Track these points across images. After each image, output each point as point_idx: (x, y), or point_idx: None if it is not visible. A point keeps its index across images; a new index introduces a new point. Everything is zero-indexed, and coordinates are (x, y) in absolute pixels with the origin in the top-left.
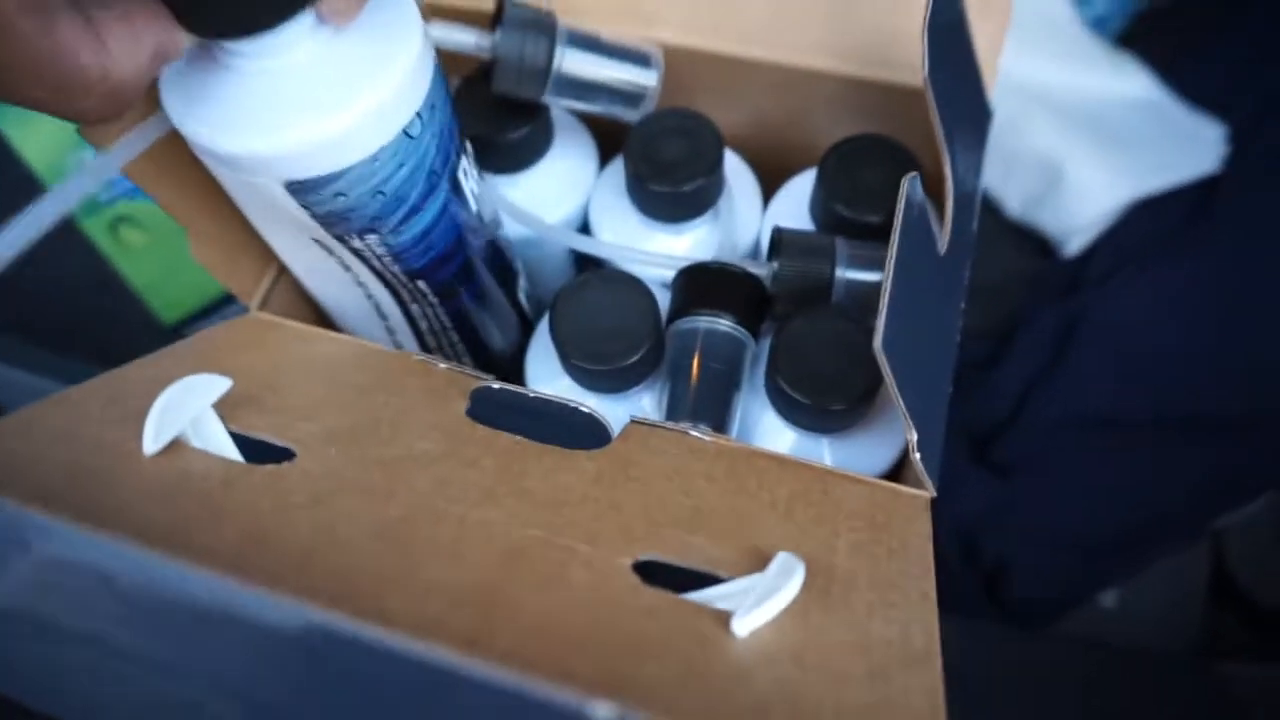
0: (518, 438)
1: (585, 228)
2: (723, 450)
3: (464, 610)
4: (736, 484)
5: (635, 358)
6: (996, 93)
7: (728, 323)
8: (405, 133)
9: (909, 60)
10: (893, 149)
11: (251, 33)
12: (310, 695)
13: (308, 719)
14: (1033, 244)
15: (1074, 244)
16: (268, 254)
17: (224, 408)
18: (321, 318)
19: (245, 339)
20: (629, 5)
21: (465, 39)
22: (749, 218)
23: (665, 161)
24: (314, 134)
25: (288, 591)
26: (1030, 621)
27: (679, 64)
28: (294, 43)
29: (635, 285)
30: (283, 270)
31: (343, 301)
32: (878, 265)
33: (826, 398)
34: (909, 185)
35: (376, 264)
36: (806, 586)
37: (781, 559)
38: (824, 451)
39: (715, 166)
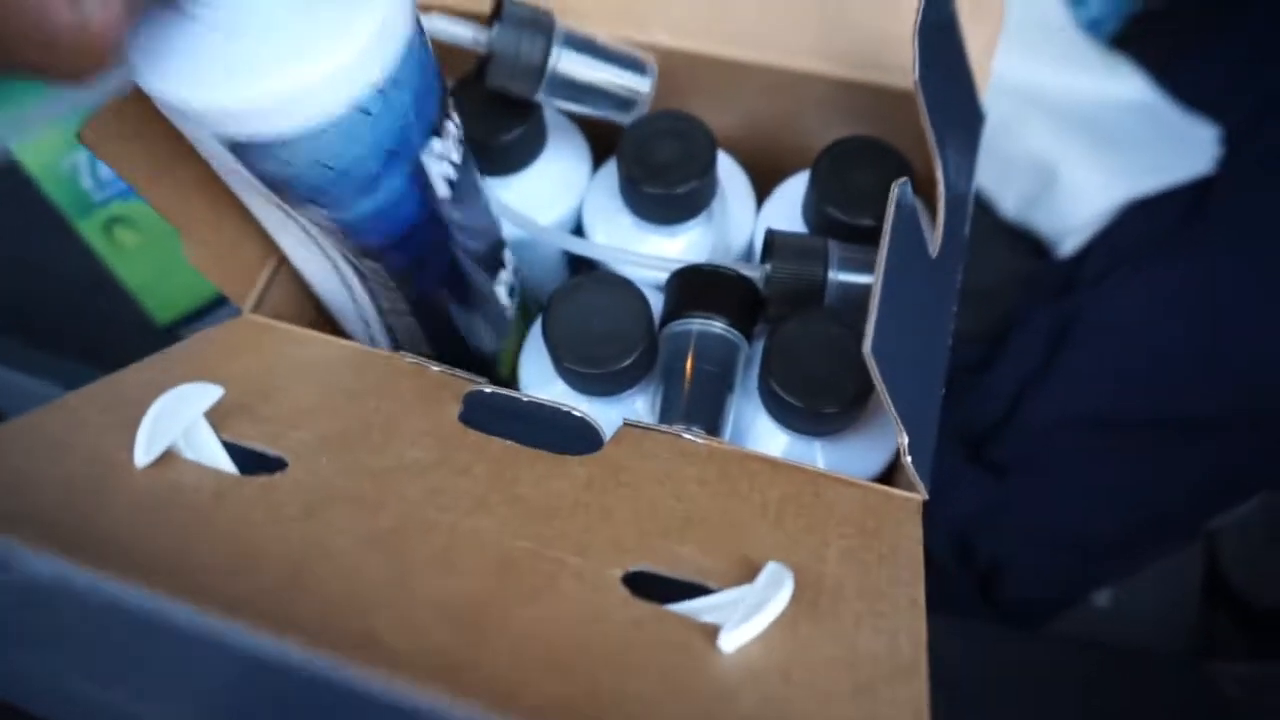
0: (510, 443)
1: (579, 230)
2: (714, 453)
3: (452, 626)
4: (728, 487)
5: (628, 361)
6: (991, 95)
7: (721, 325)
8: (360, 109)
9: (901, 63)
10: (885, 151)
11: None
12: None
13: None
14: (1028, 245)
15: (1068, 245)
16: (261, 256)
17: (217, 416)
18: (314, 319)
19: (239, 342)
20: (622, 7)
21: (462, 33)
22: (742, 220)
23: (658, 164)
24: (250, 96)
25: (274, 616)
26: (1024, 621)
27: (672, 66)
28: None
29: (628, 288)
30: (276, 272)
31: (317, 274)
32: (870, 268)
33: (819, 400)
34: (899, 189)
35: (327, 237)
36: (795, 598)
37: (770, 570)
38: (817, 454)
39: (708, 169)
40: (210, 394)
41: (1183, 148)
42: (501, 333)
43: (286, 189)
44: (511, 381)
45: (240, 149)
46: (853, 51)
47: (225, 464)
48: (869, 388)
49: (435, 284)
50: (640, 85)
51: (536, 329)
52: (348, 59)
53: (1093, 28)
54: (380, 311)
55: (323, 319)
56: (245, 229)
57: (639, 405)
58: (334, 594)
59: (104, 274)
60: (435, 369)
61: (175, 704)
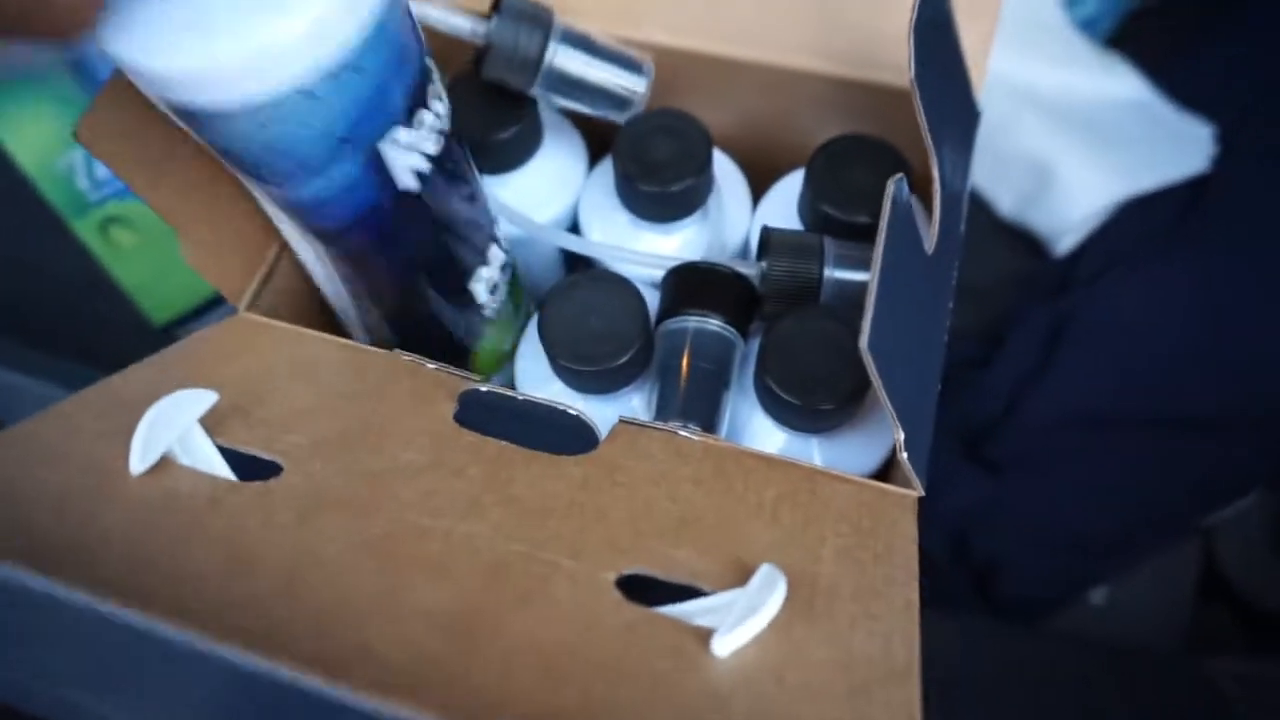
0: (505, 443)
1: (575, 227)
2: (710, 450)
3: (444, 635)
4: (724, 485)
5: (624, 359)
6: (987, 94)
7: (717, 322)
8: (304, 92)
9: (897, 61)
10: (881, 149)
11: None
12: None
13: None
14: (1024, 244)
15: (1065, 243)
16: (257, 255)
17: (212, 420)
18: (311, 317)
19: (235, 343)
20: (618, 5)
21: (461, 23)
22: (738, 218)
23: (654, 161)
24: (187, 62)
25: (266, 628)
26: (1020, 619)
27: (667, 64)
28: None
29: (624, 286)
30: (272, 270)
31: (301, 252)
32: (866, 265)
33: (815, 398)
34: (895, 186)
35: (284, 213)
36: (790, 599)
37: (764, 572)
38: (813, 451)
39: (704, 166)
40: (205, 400)
41: (1178, 146)
42: (474, 330)
43: (234, 162)
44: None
45: (186, 117)
46: (848, 49)
47: (221, 470)
48: (865, 384)
49: (395, 273)
50: (636, 85)
51: (533, 327)
52: (286, 39)
53: (1088, 26)
54: (353, 295)
55: (319, 317)
56: (242, 228)
57: (635, 403)
58: (326, 603)
59: (100, 274)
60: (431, 367)
61: (168, 716)
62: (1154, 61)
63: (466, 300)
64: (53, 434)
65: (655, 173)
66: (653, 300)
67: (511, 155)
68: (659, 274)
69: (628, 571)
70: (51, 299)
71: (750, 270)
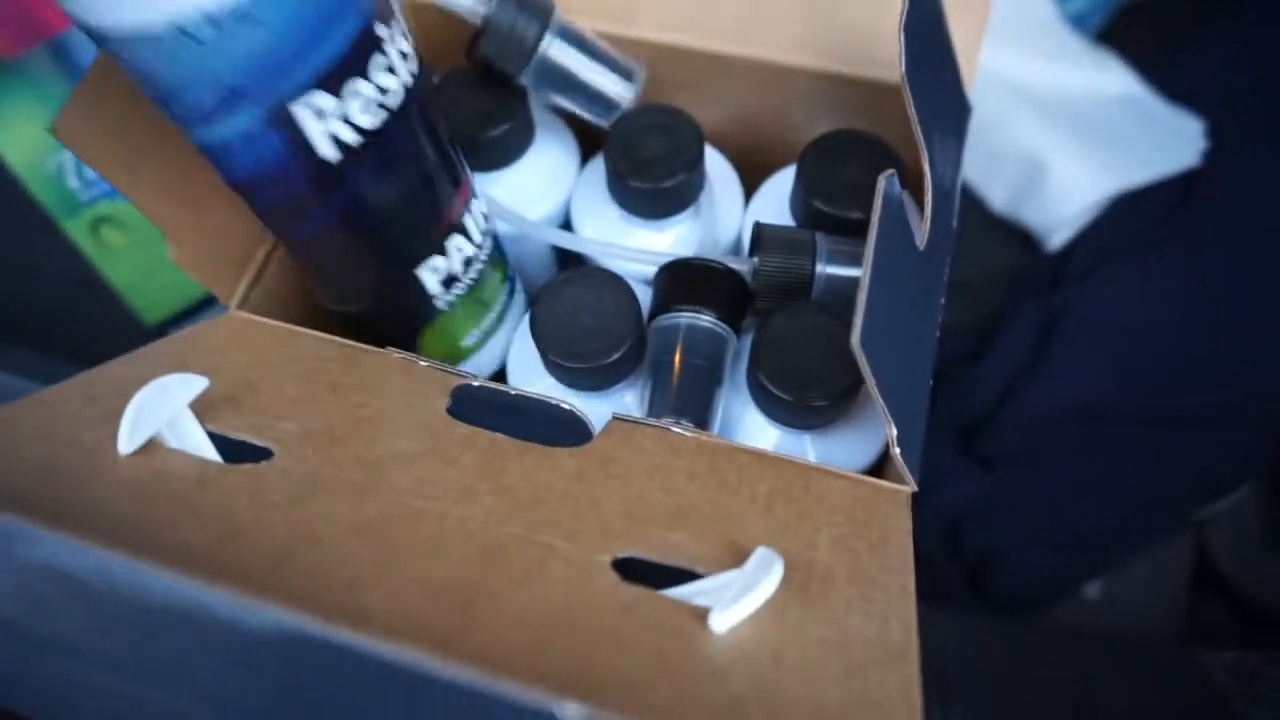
0: (498, 435)
1: (567, 224)
2: (703, 446)
3: (442, 606)
4: (717, 480)
5: (616, 355)
6: (979, 90)
7: (709, 319)
8: (182, 31)
9: (888, 56)
10: (872, 144)
11: None
12: (286, 699)
13: None
14: (1017, 239)
15: (1058, 239)
16: (247, 254)
17: (201, 407)
18: (302, 315)
19: (224, 337)
20: (611, 0)
21: (462, 0)
22: (730, 214)
23: (646, 158)
24: None
25: (263, 591)
26: (1014, 613)
27: (658, 61)
28: None
29: (616, 282)
30: (263, 269)
31: None
32: (858, 261)
33: (808, 394)
34: (886, 182)
35: None
36: (786, 582)
37: (760, 554)
38: (807, 447)
39: (696, 163)
40: (195, 384)
41: (1169, 141)
42: (422, 315)
43: (146, 95)
44: None
45: (89, 33)
46: (840, 45)
47: (210, 453)
48: (858, 381)
49: (316, 244)
50: (625, 91)
51: (525, 324)
52: None
53: (1078, 22)
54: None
55: (312, 317)
56: (230, 225)
57: (628, 400)
58: (321, 575)
59: (91, 274)
60: (424, 364)
61: (169, 687)
62: (1144, 57)
63: (407, 285)
64: (35, 417)
65: (647, 169)
66: (645, 297)
67: (503, 152)
68: (651, 271)
69: (623, 554)
70: (43, 299)
71: (742, 266)
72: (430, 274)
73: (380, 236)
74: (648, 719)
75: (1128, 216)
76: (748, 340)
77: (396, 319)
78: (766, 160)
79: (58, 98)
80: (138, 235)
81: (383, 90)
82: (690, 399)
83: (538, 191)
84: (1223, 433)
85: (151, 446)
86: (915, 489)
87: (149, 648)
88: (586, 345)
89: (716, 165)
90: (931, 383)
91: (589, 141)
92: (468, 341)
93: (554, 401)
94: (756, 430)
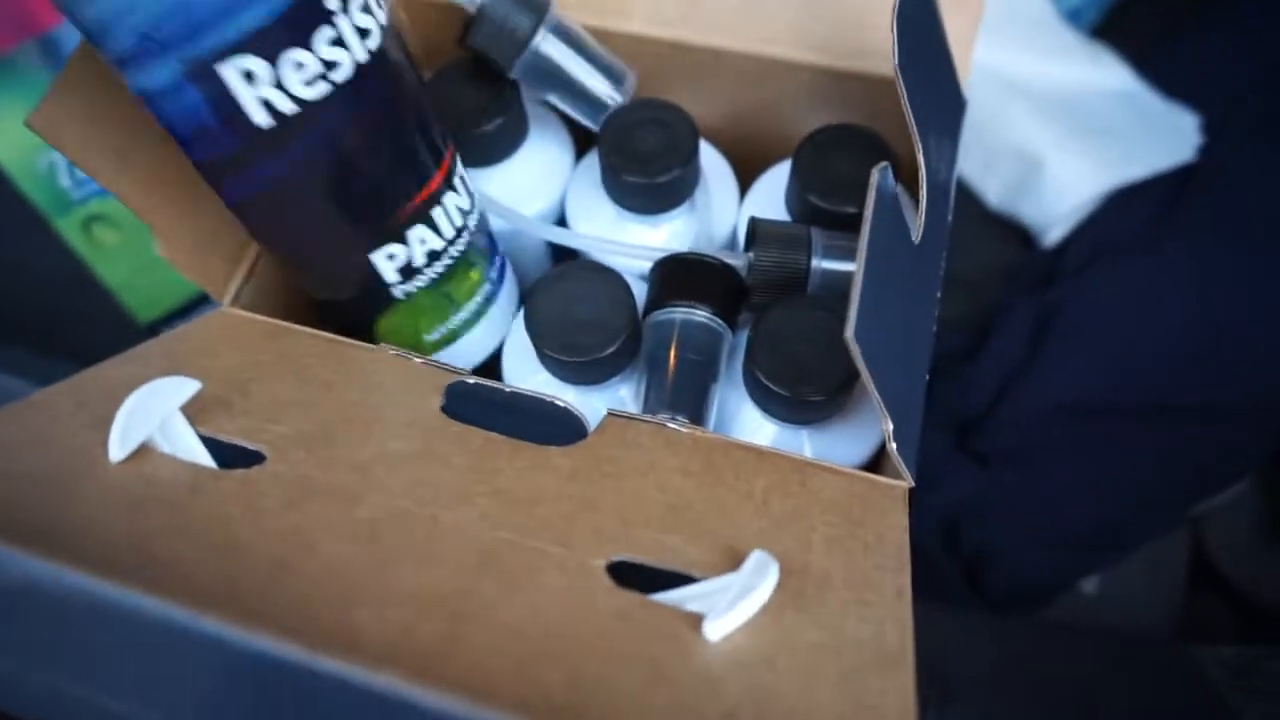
0: (492, 434)
1: (562, 220)
2: (699, 442)
3: (433, 618)
4: (713, 477)
5: (611, 349)
6: (974, 85)
7: (704, 314)
8: None
9: (882, 50)
10: (868, 139)
11: None
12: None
13: None
14: (1013, 235)
15: (1054, 234)
16: (238, 250)
17: (194, 410)
18: (295, 312)
19: (216, 336)
20: None
21: None
22: (725, 209)
23: (640, 153)
24: None
25: (251, 612)
26: (1012, 610)
27: (652, 56)
28: None
29: (611, 276)
30: (254, 267)
31: None
32: (854, 255)
33: (804, 389)
34: (879, 176)
35: None
36: (781, 586)
37: (756, 558)
38: (803, 443)
39: (690, 157)
40: (186, 388)
41: (1165, 136)
42: (382, 302)
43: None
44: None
45: None
46: (835, 39)
47: (202, 458)
48: (854, 376)
49: (249, 207)
50: (613, 93)
51: (520, 318)
52: None
53: (1073, 17)
54: None
55: (305, 313)
56: (221, 220)
57: (623, 393)
58: (313, 586)
59: (84, 272)
60: (418, 360)
61: (149, 701)
62: (1140, 52)
63: (362, 268)
64: (29, 421)
65: (642, 164)
66: (640, 292)
67: (497, 148)
68: (646, 266)
69: (617, 559)
70: (35, 298)
71: (738, 261)
72: (386, 261)
73: (320, 212)
74: None
75: (1124, 212)
76: (743, 336)
77: (353, 302)
78: (762, 155)
79: None
80: (130, 233)
81: (328, 64)
82: (686, 395)
83: (532, 187)
84: (1219, 428)
85: (143, 451)
86: (912, 484)
87: (128, 671)
88: (581, 338)
89: (711, 160)
90: (928, 378)
91: (584, 137)
92: (431, 336)
93: (548, 399)
94: (753, 426)
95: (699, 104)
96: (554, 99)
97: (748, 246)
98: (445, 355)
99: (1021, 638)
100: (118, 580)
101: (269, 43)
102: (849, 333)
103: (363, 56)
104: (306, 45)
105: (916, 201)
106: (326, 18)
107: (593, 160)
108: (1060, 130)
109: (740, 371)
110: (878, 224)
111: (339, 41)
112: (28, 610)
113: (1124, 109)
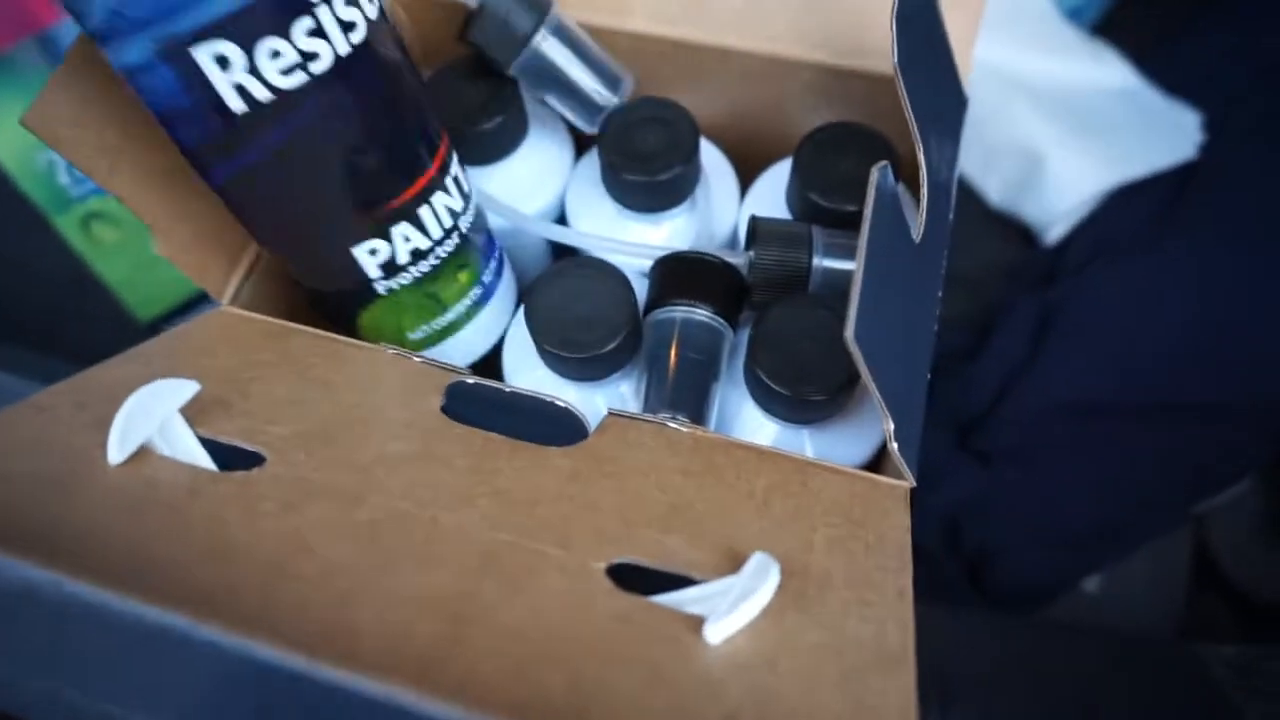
0: (493, 435)
1: (562, 218)
2: (700, 442)
3: (432, 620)
4: (714, 477)
5: (612, 345)
6: (976, 83)
7: (705, 312)
8: None
9: (883, 48)
10: (868, 137)
11: None
12: None
13: None
14: (1014, 233)
15: (1055, 232)
16: (238, 248)
17: (193, 411)
18: (295, 311)
19: (215, 336)
20: None
21: None
22: (726, 207)
23: (641, 151)
24: None
25: (249, 617)
26: (1014, 609)
27: (653, 54)
28: None
29: (611, 272)
30: (254, 265)
31: None
32: (855, 254)
33: (806, 388)
34: (879, 174)
35: None
36: (782, 587)
37: (757, 560)
38: (805, 442)
39: (691, 155)
40: (185, 389)
41: (1166, 133)
42: (365, 296)
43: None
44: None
45: None
46: (836, 37)
47: (202, 460)
48: (856, 375)
49: (228, 192)
50: (609, 97)
51: (520, 315)
52: None
53: (1074, 15)
54: None
55: (305, 312)
56: (219, 218)
57: (624, 390)
58: (313, 589)
59: (83, 270)
60: (417, 360)
61: (148, 707)
62: (1141, 49)
63: (344, 260)
64: (29, 424)
65: (642, 162)
66: (641, 291)
67: (497, 146)
68: (647, 264)
69: (617, 560)
70: (34, 297)
71: (738, 260)
72: (368, 255)
73: (299, 202)
74: None
75: (1125, 210)
76: (744, 334)
77: (337, 294)
78: (762, 153)
79: None
80: (129, 231)
81: (306, 55)
82: (686, 394)
83: (532, 185)
84: (1221, 427)
85: (142, 453)
86: (913, 484)
87: (126, 679)
88: (582, 335)
89: (712, 158)
90: (929, 377)
91: (584, 135)
92: (415, 335)
93: (549, 398)
94: (754, 425)
95: (700, 102)
96: (550, 99)
97: (748, 245)
98: (431, 355)
99: (1023, 637)
100: (117, 586)
101: (243, 29)
102: (849, 333)
103: (344, 50)
104: (284, 34)
105: (918, 200)
106: (306, 8)
107: (593, 158)
108: (1061, 128)
109: (741, 370)
110: (877, 223)
111: (319, 33)
112: (27, 616)
113: (1125, 107)
